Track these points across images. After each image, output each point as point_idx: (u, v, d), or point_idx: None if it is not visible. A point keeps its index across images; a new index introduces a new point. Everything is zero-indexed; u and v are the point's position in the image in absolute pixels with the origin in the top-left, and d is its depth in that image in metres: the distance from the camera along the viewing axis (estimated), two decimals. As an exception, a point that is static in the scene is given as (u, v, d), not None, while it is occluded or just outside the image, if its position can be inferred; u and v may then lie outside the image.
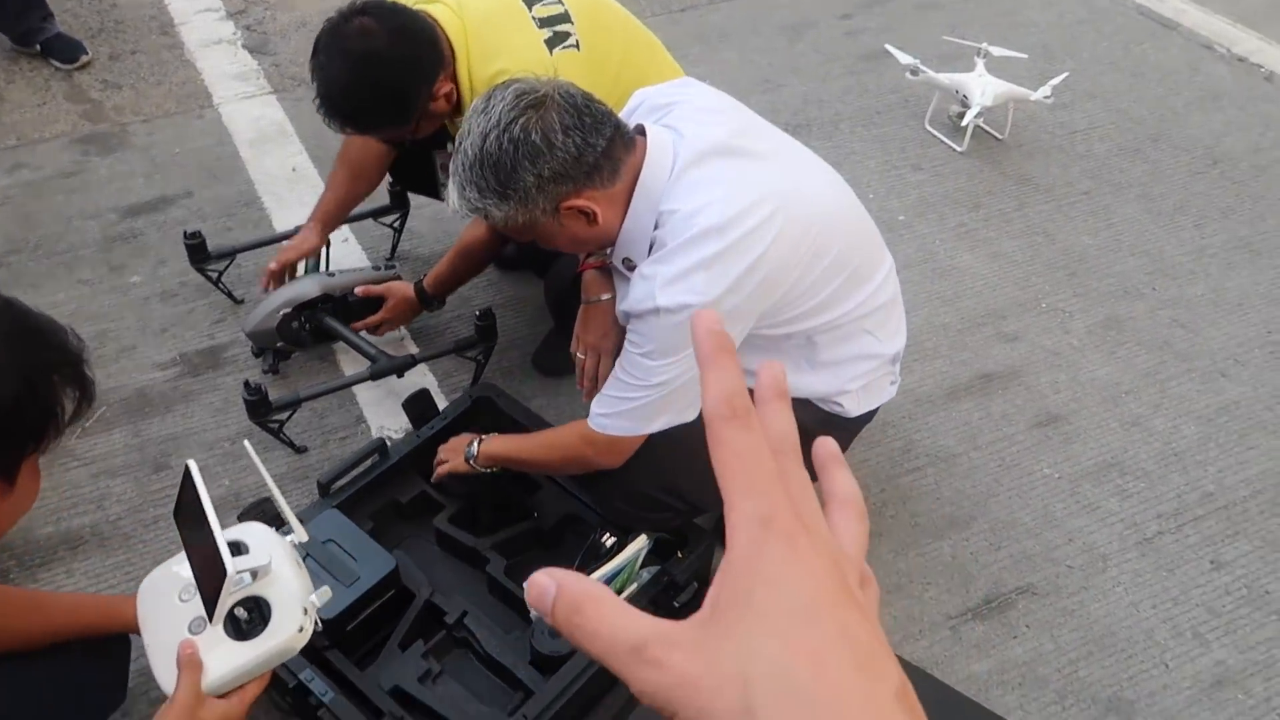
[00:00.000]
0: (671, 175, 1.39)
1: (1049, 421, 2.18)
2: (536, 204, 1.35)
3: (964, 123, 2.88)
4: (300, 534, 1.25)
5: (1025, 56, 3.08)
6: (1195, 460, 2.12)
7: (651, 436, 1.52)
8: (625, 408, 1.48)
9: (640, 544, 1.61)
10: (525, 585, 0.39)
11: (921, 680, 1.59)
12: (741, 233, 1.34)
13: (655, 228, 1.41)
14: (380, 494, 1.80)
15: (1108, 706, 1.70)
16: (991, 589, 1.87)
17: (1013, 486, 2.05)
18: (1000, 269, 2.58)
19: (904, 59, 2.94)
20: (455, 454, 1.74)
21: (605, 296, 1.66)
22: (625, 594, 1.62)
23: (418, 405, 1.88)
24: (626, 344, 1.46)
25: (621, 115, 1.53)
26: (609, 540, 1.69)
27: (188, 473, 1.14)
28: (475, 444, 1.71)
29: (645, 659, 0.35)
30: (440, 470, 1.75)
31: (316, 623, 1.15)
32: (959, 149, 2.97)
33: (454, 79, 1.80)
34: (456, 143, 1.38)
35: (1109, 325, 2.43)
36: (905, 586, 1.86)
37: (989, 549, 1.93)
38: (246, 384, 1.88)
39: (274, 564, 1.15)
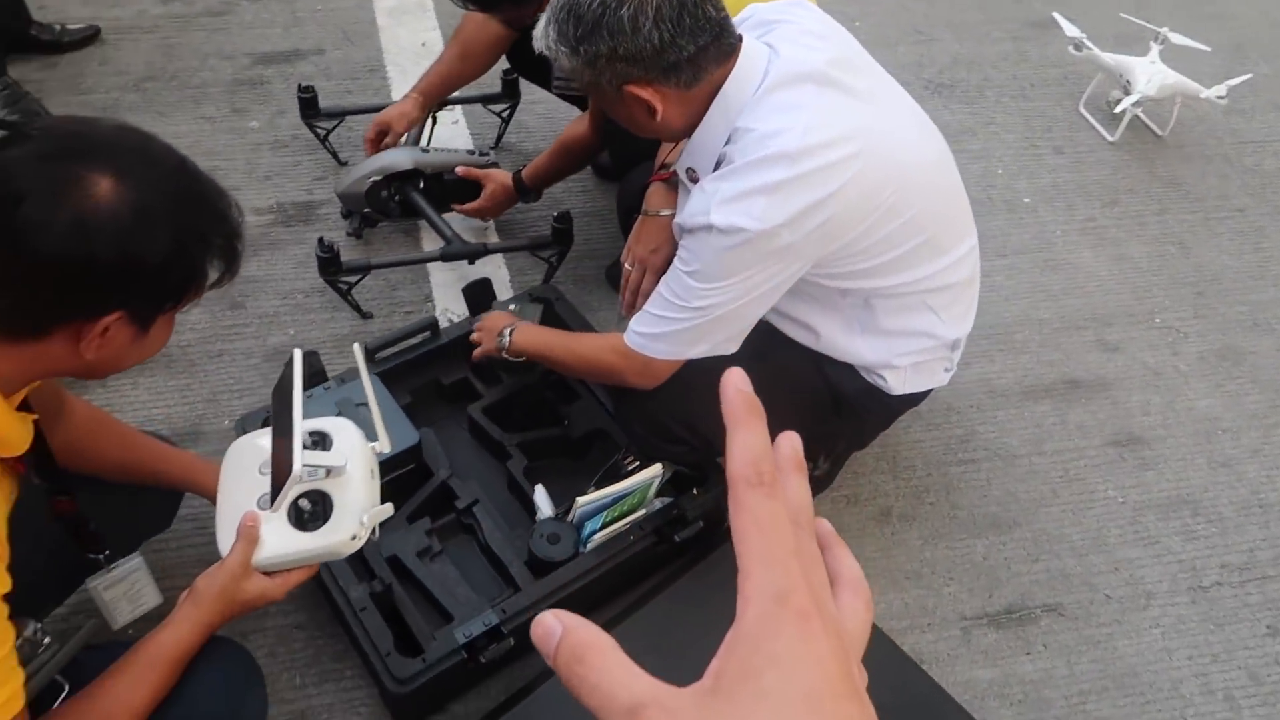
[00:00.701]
0: (756, 93, 1.32)
1: (1128, 443, 2.04)
2: (603, 74, 1.30)
3: (1118, 109, 2.65)
4: (384, 445, 1.28)
5: (1208, 49, 2.80)
6: (1281, 516, 1.95)
7: (679, 372, 1.49)
8: (664, 329, 1.43)
9: (655, 471, 1.59)
10: (532, 624, 0.39)
11: (910, 673, 1.54)
12: (815, 165, 1.26)
13: (726, 143, 1.34)
14: (425, 371, 1.84)
15: (1108, 745, 1.61)
16: (1017, 600, 1.78)
17: (1070, 501, 1.93)
18: (1120, 273, 2.40)
19: (1070, 30, 2.72)
20: (489, 335, 1.71)
21: (665, 212, 1.62)
22: (632, 517, 1.61)
23: (477, 292, 1.89)
24: (675, 261, 1.41)
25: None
26: (631, 464, 1.69)
27: (290, 361, 1.17)
28: (509, 331, 1.67)
29: None
30: (476, 352, 1.74)
31: (372, 532, 1.18)
32: (1110, 138, 2.75)
33: None
34: None
35: (1225, 355, 2.23)
36: (925, 576, 1.79)
37: (1025, 559, 1.84)
38: (320, 240, 1.93)
39: (349, 467, 1.18)
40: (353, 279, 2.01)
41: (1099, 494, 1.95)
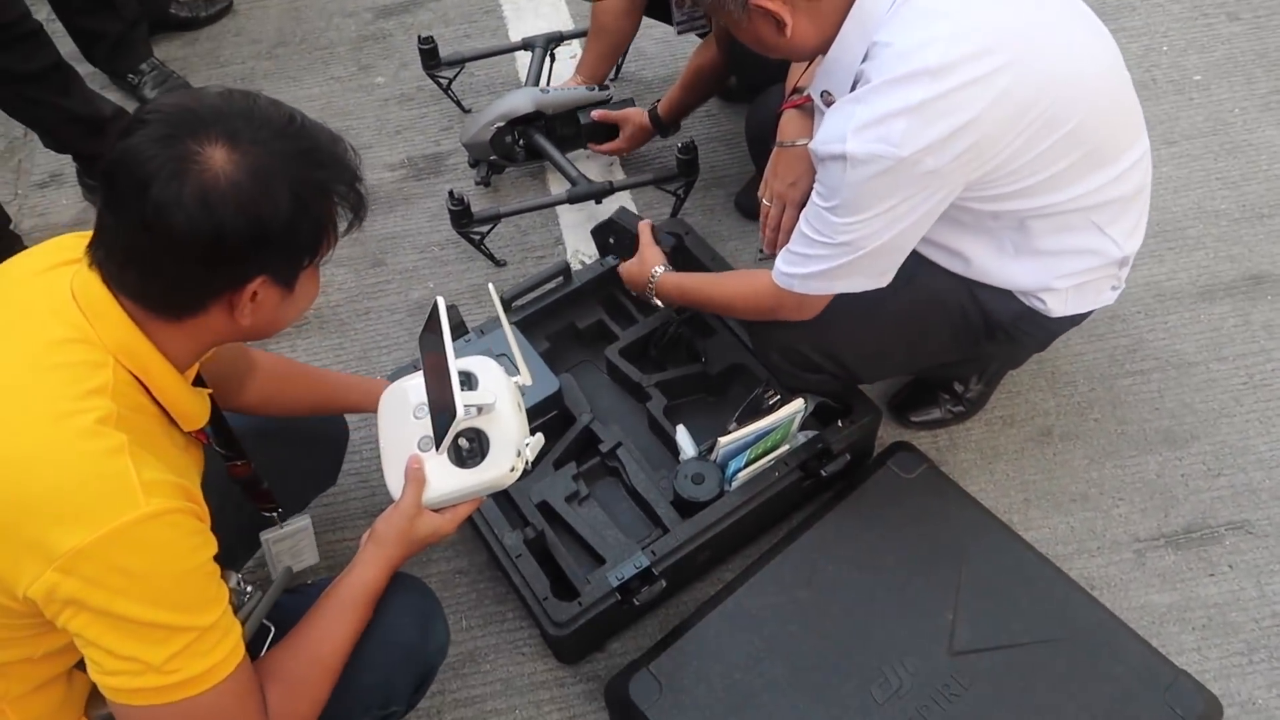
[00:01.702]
0: (894, 2, 1.22)
1: (1324, 341, 1.85)
2: None
3: (1308, -37, 2.34)
4: (526, 378, 1.32)
5: None
6: None
7: None
8: (810, 269, 1.35)
9: (796, 406, 1.56)
10: None
11: (1078, 600, 1.48)
12: (959, 82, 1.16)
13: (864, 60, 1.24)
14: (560, 316, 1.85)
15: (1307, 671, 1.50)
16: (1197, 518, 1.66)
17: (1255, 409, 1.78)
18: (1312, 151, 2.15)
19: (1247, -123, 2.40)
20: (639, 278, 1.71)
21: (801, 141, 1.54)
22: (776, 453, 1.59)
23: (606, 232, 1.88)
24: (813, 195, 1.33)
25: None
26: (772, 398, 1.66)
27: (435, 307, 1.21)
28: (659, 270, 1.67)
29: None
30: (632, 286, 1.75)
31: (527, 462, 1.22)
32: (1298, -4, 2.44)
33: None
34: None
35: None
36: (1092, 498, 1.69)
37: (1205, 474, 1.71)
38: (450, 194, 1.95)
39: (498, 403, 1.23)
40: (484, 229, 2.04)
41: (1290, 400, 1.79)
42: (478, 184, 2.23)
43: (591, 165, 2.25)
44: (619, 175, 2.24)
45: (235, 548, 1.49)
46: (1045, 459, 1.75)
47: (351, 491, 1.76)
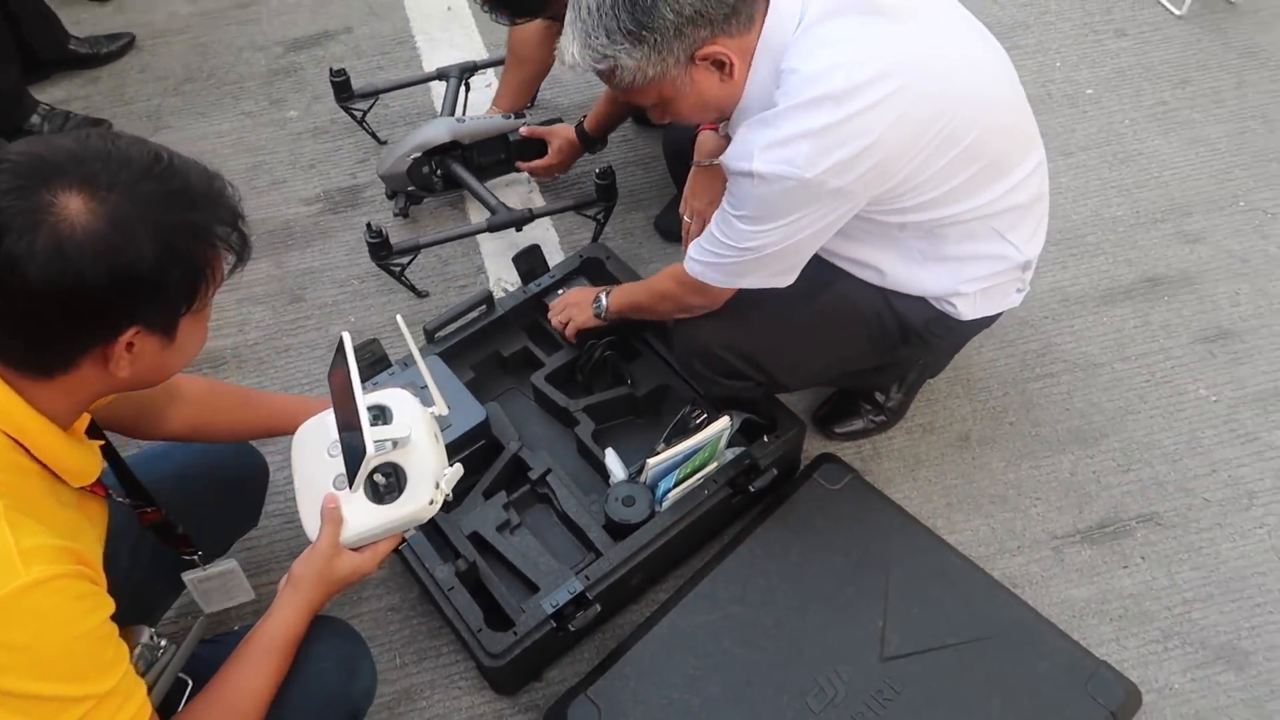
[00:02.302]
0: (798, 29, 1.25)
1: (1217, 337, 1.94)
2: (671, 51, 1.22)
3: (1184, -19, 2.48)
4: (441, 407, 1.30)
5: (1281, -100, 2.58)
6: (1391, 398, 1.84)
7: (734, 304, 1.47)
8: (716, 261, 1.40)
9: (722, 424, 1.58)
10: None
11: (1002, 599, 1.52)
12: (860, 106, 1.21)
13: (777, 88, 1.27)
14: (484, 345, 1.85)
15: (1218, 654, 1.56)
16: (1109, 513, 1.73)
17: (1158, 405, 1.86)
18: (1197, 157, 2.26)
19: (1124, -99, 2.53)
20: (581, 309, 1.72)
21: (717, 160, 1.57)
22: (705, 471, 1.61)
23: (527, 260, 1.89)
24: (724, 200, 1.37)
25: None
26: (699, 417, 1.67)
27: (341, 344, 1.18)
28: (604, 296, 1.69)
29: None
30: (569, 331, 1.75)
31: (447, 495, 1.21)
32: (1177, 12, 2.57)
33: None
34: None
35: (1319, 233, 2.10)
36: (1011, 499, 1.75)
37: (1115, 470, 1.78)
38: (368, 226, 1.93)
39: (414, 436, 1.21)
40: (404, 260, 2.02)
41: (1189, 395, 1.87)
42: (396, 215, 2.21)
43: (511, 193, 2.26)
44: (538, 202, 2.25)
45: (152, 595, 1.45)
46: (965, 463, 1.80)
47: (276, 532, 1.72)
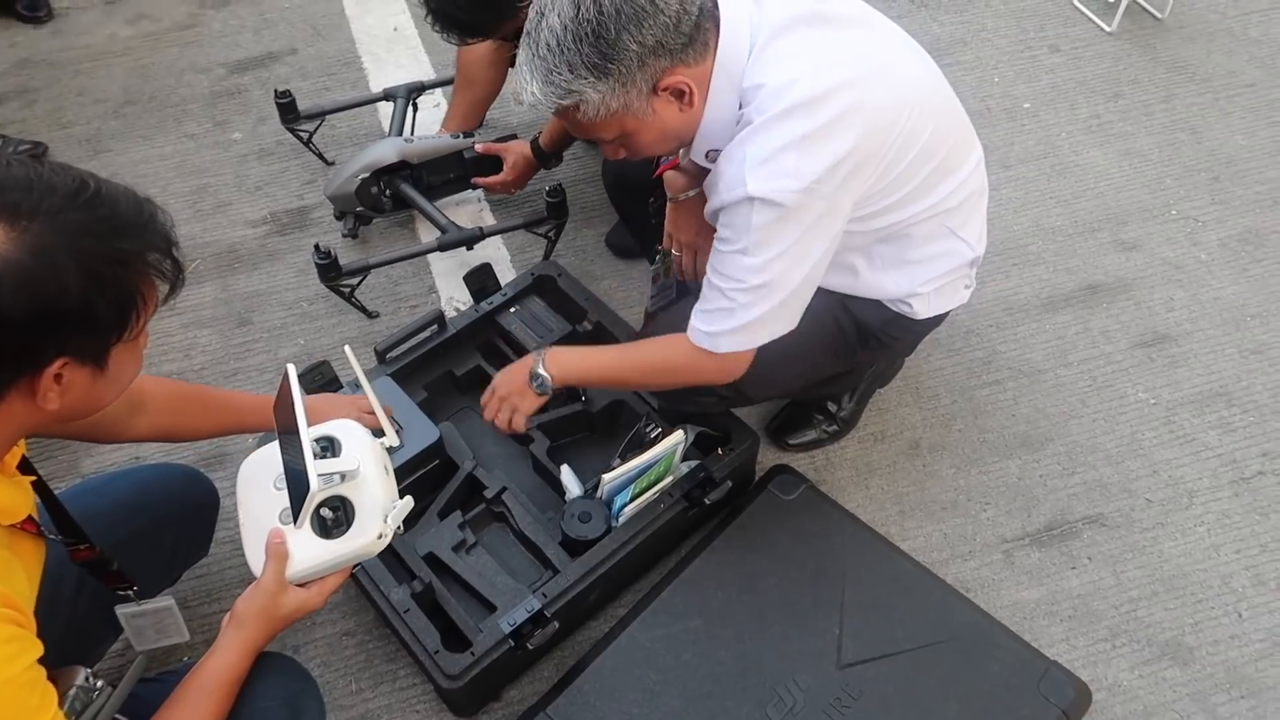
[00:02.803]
0: (753, 50, 1.26)
1: (1155, 342, 2.00)
2: (635, 82, 1.20)
3: (1113, -1, 2.56)
4: (392, 438, 1.28)
5: (1202, -79, 2.69)
6: (1320, 397, 1.91)
7: (680, 322, 1.47)
8: (730, 323, 1.35)
9: (676, 438, 1.59)
10: None
11: (955, 604, 1.54)
12: (831, 113, 1.22)
13: (740, 107, 1.28)
14: (437, 364, 1.83)
15: (1164, 650, 1.60)
16: (1056, 516, 1.76)
17: (1100, 409, 1.90)
18: (1131, 168, 2.33)
19: (1054, -78, 2.62)
20: (519, 394, 1.52)
21: (692, 192, 1.57)
22: (660, 486, 1.61)
23: (479, 279, 1.88)
24: (716, 243, 1.34)
25: None
26: (654, 432, 1.68)
27: (285, 377, 1.16)
28: (540, 365, 1.48)
29: None
30: (515, 424, 1.54)
31: (398, 528, 1.19)
32: (1108, 29, 2.66)
33: None
34: (533, 22, 1.21)
35: (1246, 239, 2.18)
36: (961, 505, 1.78)
37: (1061, 473, 1.82)
38: (316, 247, 1.92)
39: (362, 469, 1.18)
40: (354, 281, 2.01)
41: (1129, 398, 1.92)
42: (345, 236, 2.20)
43: (461, 212, 2.26)
44: (489, 220, 2.25)
45: (91, 633, 1.40)
46: (916, 471, 1.83)
47: (226, 560, 1.69)
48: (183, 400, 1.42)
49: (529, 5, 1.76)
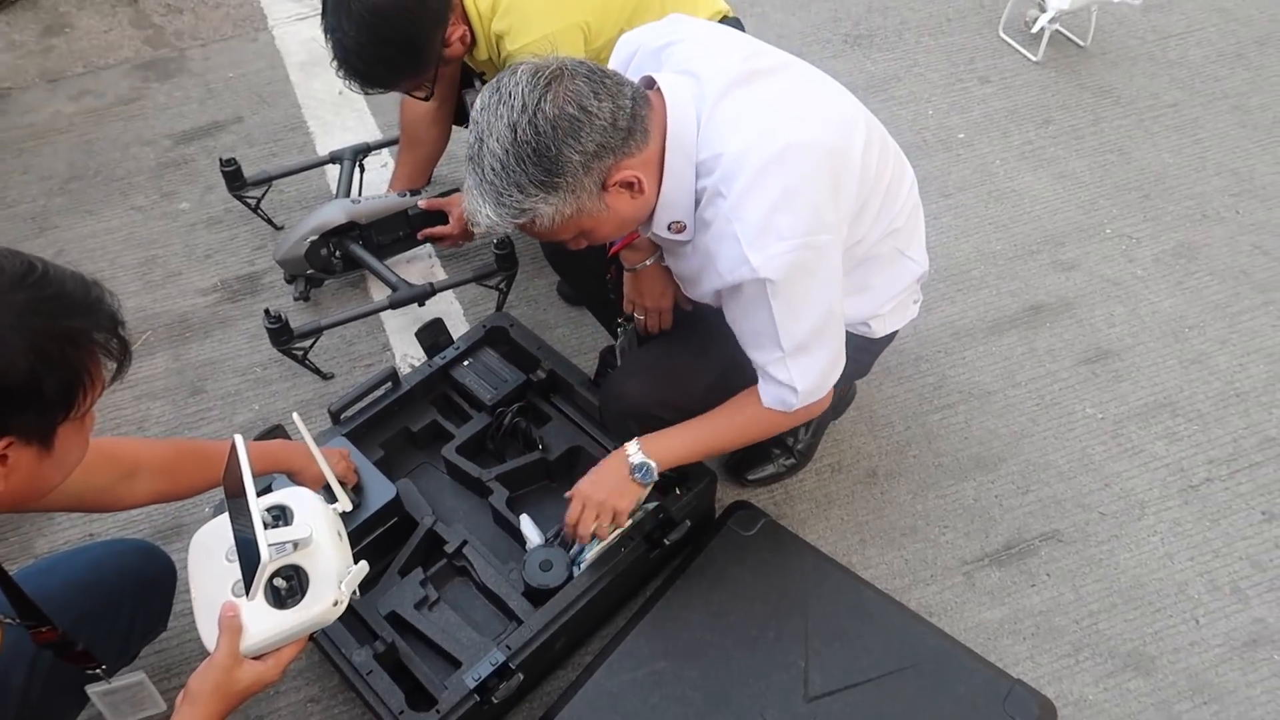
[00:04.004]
0: (700, 122, 1.29)
1: (1098, 358, 2.05)
2: (584, 187, 1.22)
3: (1036, 28, 2.65)
4: (345, 503, 1.28)
5: (1115, -48, 2.80)
6: (1260, 402, 1.96)
7: (659, 360, 1.51)
8: (793, 389, 1.39)
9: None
10: None
11: (918, 629, 1.55)
12: (799, 157, 1.25)
13: (698, 178, 1.31)
14: (392, 422, 1.83)
15: (1126, 661, 1.62)
16: (1014, 534, 1.79)
17: (1049, 427, 1.94)
18: (1064, 191, 2.40)
19: (975, -40, 2.71)
20: (619, 492, 1.50)
21: (650, 260, 1.60)
22: (620, 530, 1.61)
23: (431, 334, 1.89)
24: (735, 323, 1.38)
25: (615, 63, 1.45)
26: (611, 475, 1.69)
27: (234, 448, 1.15)
28: (641, 453, 1.48)
29: None
30: (618, 521, 1.54)
31: (354, 593, 1.18)
32: (1034, 59, 2.75)
33: (465, 19, 1.77)
34: (473, 148, 1.22)
35: (1180, 253, 2.24)
36: (920, 529, 1.80)
37: (1016, 492, 1.85)
38: (267, 312, 1.92)
39: (315, 536, 1.17)
40: (306, 344, 2.01)
41: (1078, 414, 1.96)
42: (297, 299, 2.20)
43: (411, 269, 2.27)
44: (440, 276, 2.27)
45: (64, 708, 1.38)
46: (874, 499, 1.85)
47: (186, 634, 1.66)
48: (179, 459, 1.41)
49: (435, 67, 1.80)
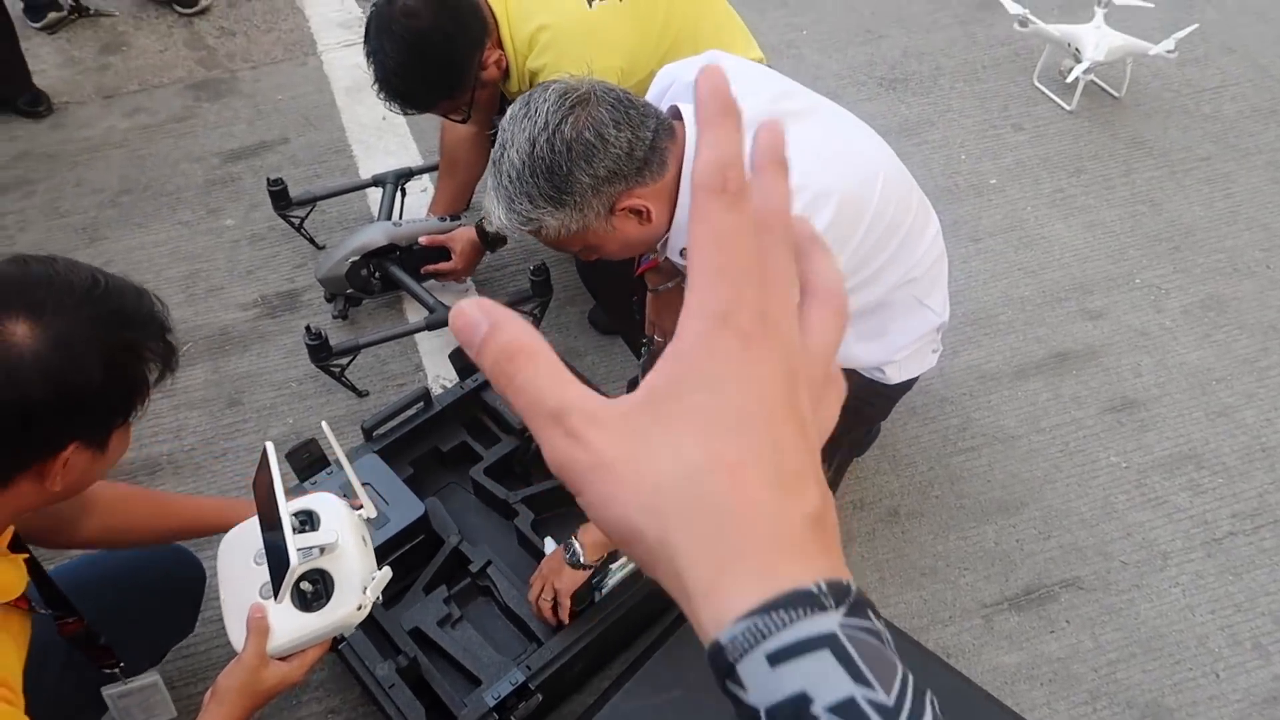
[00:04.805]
0: None
1: (1124, 407, 2.06)
2: (591, 207, 1.28)
3: (1071, 78, 2.68)
4: (369, 510, 1.32)
5: (1151, 5, 2.82)
6: (1286, 458, 1.96)
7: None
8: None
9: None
10: (451, 313, 0.36)
11: (935, 670, 1.55)
12: (808, 200, 1.29)
13: None
14: (422, 441, 1.87)
15: (1144, 712, 1.62)
16: (1034, 580, 1.79)
17: (1073, 474, 1.95)
18: (1094, 240, 2.42)
19: (1013, 8, 2.75)
20: (558, 574, 1.56)
21: (670, 284, 1.64)
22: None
23: (464, 356, 1.93)
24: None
25: (651, 95, 1.50)
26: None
27: (265, 454, 1.20)
28: (575, 540, 1.54)
29: (565, 428, 0.33)
30: (562, 604, 1.56)
31: (378, 598, 1.22)
32: (1068, 108, 2.78)
33: (500, 45, 1.83)
34: (497, 153, 1.30)
35: (1209, 305, 2.25)
36: (940, 570, 1.81)
37: (1037, 537, 1.85)
38: (308, 328, 1.97)
39: (340, 541, 1.22)
40: (344, 361, 2.06)
41: (1101, 462, 1.97)
42: (335, 317, 2.25)
43: (448, 292, 2.32)
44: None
45: (76, 708, 1.41)
46: (895, 537, 1.86)
47: (213, 639, 1.70)
48: (130, 502, 1.44)
49: (472, 90, 1.84)
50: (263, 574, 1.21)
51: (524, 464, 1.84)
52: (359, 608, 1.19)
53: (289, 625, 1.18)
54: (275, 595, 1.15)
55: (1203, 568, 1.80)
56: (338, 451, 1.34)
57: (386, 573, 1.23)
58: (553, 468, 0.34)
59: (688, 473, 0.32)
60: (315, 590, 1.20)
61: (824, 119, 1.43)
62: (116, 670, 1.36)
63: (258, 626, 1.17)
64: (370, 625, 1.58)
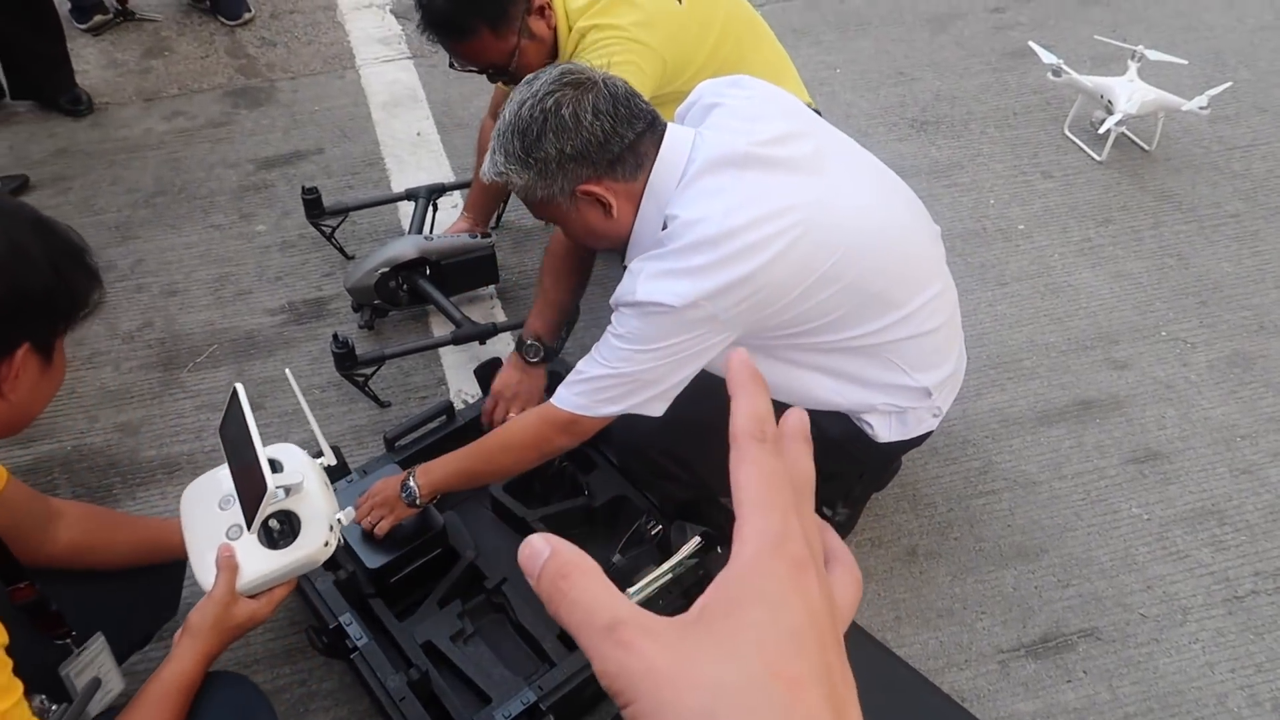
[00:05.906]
0: (682, 180, 1.38)
1: (1147, 458, 2.04)
2: (555, 180, 1.36)
3: (1101, 130, 2.70)
4: (330, 457, 1.37)
5: (1185, 62, 2.85)
6: (1310, 519, 1.94)
7: (672, 409, 1.52)
8: (586, 388, 1.48)
9: (695, 543, 1.61)
10: (521, 546, 0.39)
11: (950, 713, 1.54)
12: (736, 247, 1.31)
13: (663, 229, 1.39)
14: (443, 454, 1.87)
15: (1160, 769, 1.59)
16: (1051, 628, 1.77)
17: (1094, 523, 1.93)
18: (1121, 290, 2.42)
19: (1047, 58, 2.77)
20: (389, 504, 1.62)
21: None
22: (660, 583, 1.63)
23: (488, 371, 1.94)
24: (608, 329, 1.48)
25: (681, 105, 1.53)
26: (653, 528, 1.71)
27: (235, 395, 1.25)
28: (413, 480, 1.60)
29: (617, 639, 0.35)
30: (380, 529, 1.61)
31: (341, 537, 1.27)
32: (1098, 158, 2.79)
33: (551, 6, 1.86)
34: (505, 105, 1.41)
35: (1235, 362, 2.24)
36: (957, 613, 1.79)
37: (1056, 585, 1.83)
38: (335, 336, 1.98)
39: (305, 483, 1.28)
40: (369, 371, 2.07)
41: (1123, 513, 1.95)
42: (362, 327, 2.27)
43: (474, 308, 2.33)
44: (501, 317, 2.33)
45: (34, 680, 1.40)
46: (912, 577, 1.85)
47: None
48: (96, 519, 1.44)
49: (518, 34, 1.84)
50: (229, 517, 1.27)
51: (544, 483, 1.84)
52: (325, 544, 1.24)
53: (258, 563, 1.23)
54: (248, 527, 1.21)
55: (1224, 625, 1.78)
56: (300, 399, 1.37)
57: (350, 511, 1.29)
58: (603, 680, 0.35)
59: (748, 682, 0.34)
60: (282, 529, 1.25)
61: (804, 177, 1.39)
62: (68, 641, 1.34)
63: (228, 564, 1.22)
64: (383, 637, 1.57)
